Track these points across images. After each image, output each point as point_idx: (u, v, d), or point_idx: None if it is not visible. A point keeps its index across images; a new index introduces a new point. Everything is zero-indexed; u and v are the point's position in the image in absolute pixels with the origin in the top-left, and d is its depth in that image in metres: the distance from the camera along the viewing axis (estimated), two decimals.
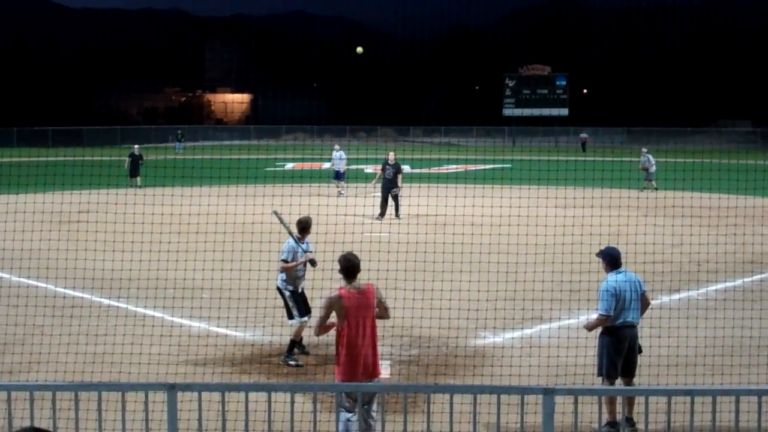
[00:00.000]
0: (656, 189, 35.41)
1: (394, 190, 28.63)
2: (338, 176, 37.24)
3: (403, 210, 28.16)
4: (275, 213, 13.21)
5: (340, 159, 37.47)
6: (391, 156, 29.32)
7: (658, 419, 7.57)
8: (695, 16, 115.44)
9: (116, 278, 16.74)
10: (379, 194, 28.98)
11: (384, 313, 9.12)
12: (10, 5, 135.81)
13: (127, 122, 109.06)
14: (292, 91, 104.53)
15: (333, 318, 8.92)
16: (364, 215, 27.66)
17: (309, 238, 13.35)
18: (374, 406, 8.70)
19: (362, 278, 9.08)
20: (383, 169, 29.28)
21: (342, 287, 8.90)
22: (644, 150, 39.82)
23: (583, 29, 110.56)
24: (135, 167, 40.38)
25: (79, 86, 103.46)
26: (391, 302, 13.30)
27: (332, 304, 8.79)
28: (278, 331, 13.54)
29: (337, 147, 38.61)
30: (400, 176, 28.88)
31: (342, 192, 35.84)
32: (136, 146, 42.41)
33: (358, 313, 8.75)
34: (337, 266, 9.09)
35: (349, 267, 8.97)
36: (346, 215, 24.76)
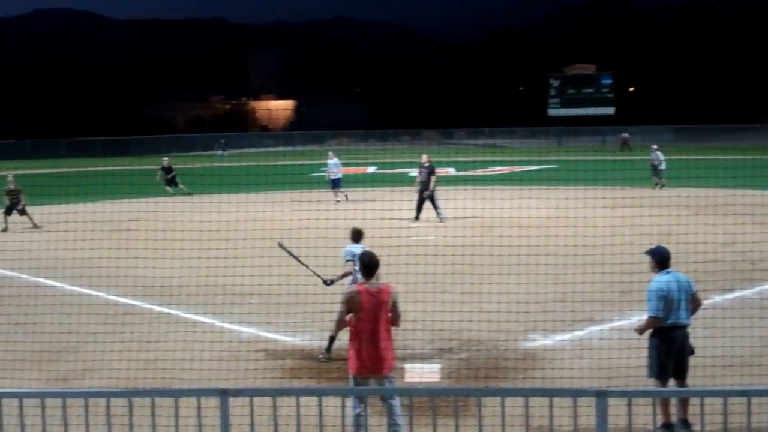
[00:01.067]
0: (663, 186, 35.02)
1: (426, 192, 28.60)
2: (336, 184, 35.87)
3: (448, 213, 28.08)
4: (281, 245, 13.18)
5: (336, 166, 36.18)
6: (424, 158, 29.32)
7: (714, 421, 7.45)
8: (744, 11, 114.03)
9: (167, 285, 16.87)
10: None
11: (395, 320, 9.25)
12: (57, 19, 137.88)
13: (173, 131, 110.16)
14: (335, 96, 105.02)
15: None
16: (409, 219, 27.67)
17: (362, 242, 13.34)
18: (396, 401, 8.92)
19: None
20: (419, 172, 29.29)
21: (360, 283, 9.25)
22: (654, 147, 39.39)
23: (628, 27, 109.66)
24: (170, 178, 40.80)
25: (125, 96, 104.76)
26: (440, 305, 13.35)
27: (351, 299, 9.07)
28: (327, 335, 13.55)
29: (331, 154, 37.59)
30: (432, 178, 28.71)
31: (340, 200, 34.33)
32: (165, 158, 42.85)
33: (371, 310, 9.02)
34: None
35: (370, 265, 9.25)
36: (392, 219, 24.75)
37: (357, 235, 13.30)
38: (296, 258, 13.07)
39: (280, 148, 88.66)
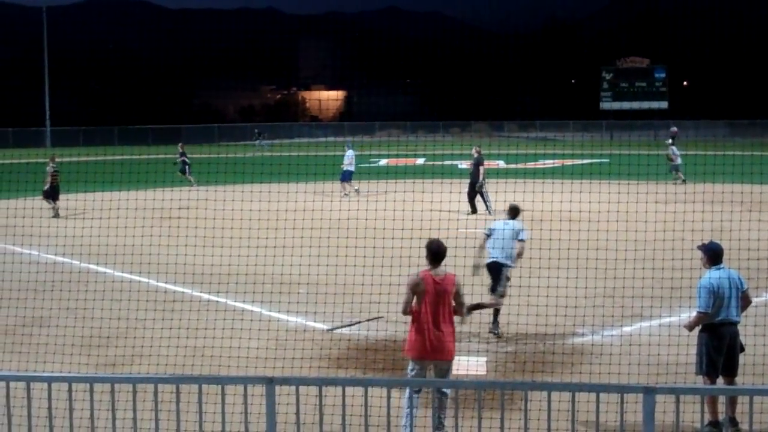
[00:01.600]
0: (684, 181, 34.62)
1: (477, 184, 28.52)
2: (346, 177, 35.02)
3: (498, 206, 27.96)
4: (333, 329, 13.83)
5: (350, 157, 35.26)
6: (473, 150, 29.30)
7: (763, 419, 7.35)
8: None
9: (215, 273, 17.01)
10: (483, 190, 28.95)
11: (458, 309, 9.55)
12: (110, 8, 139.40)
13: (224, 120, 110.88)
14: (385, 87, 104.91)
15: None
16: (459, 211, 27.58)
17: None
18: (448, 392, 9.12)
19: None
20: (470, 165, 29.25)
21: (425, 270, 9.45)
22: (668, 141, 38.98)
23: (682, 19, 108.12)
24: (186, 165, 41.24)
25: (177, 85, 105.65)
26: (489, 298, 13.28)
27: (415, 285, 9.35)
28: (373, 325, 13.58)
29: (349, 144, 36.98)
30: (480, 170, 28.53)
31: (349, 192, 33.88)
32: (180, 144, 43.38)
33: (434, 297, 9.28)
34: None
35: (437, 252, 9.49)
36: (441, 211, 24.70)
37: (514, 212, 14.43)
38: (359, 322, 13.58)
39: (330, 139, 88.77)
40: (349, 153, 35.42)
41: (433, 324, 9.26)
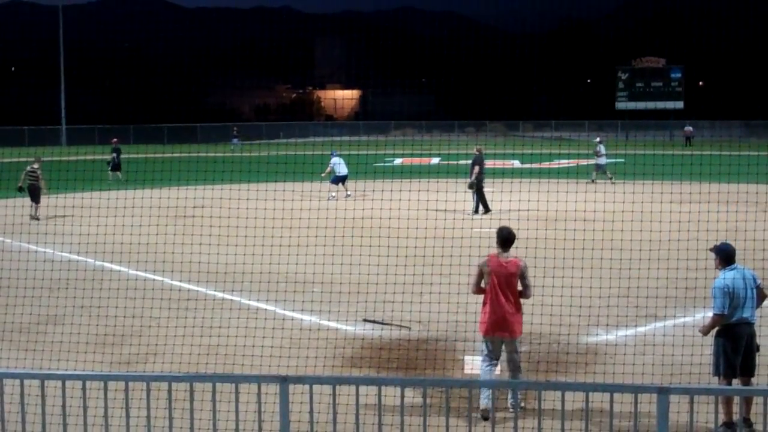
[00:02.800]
0: (612, 180, 34.48)
1: (469, 183, 28.28)
2: (339, 180, 34.08)
3: (513, 205, 27.80)
4: (366, 320, 13.86)
5: (338, 164, 34.30)
6: (475, 149, 29.32)
7: None
8: None
9: (229, 272, 17.04)
10: (487, 190, 28.73)
11: (524, 291, 10.30)
12: (126, 6, 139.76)
13: (239, 119, 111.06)
14: (401, 87, 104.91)
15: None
16: (472, 210, 27.55)
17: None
18: (517, 352, 10.27)
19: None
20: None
21: (492, 254, 10.32)
22: (597, 140, 38.89)
23: (698, 19, 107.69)
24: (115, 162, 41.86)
25: (193, 84, 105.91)
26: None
27: (482, 266, 10.24)
28: (387, 325, 13.58)
29: (335, 151, 35.44)
30: (476, 169, 28.07)
31: (334, 196, 33.05)
32: (114, 139, 44.07)
33: (500, 279, 10.13)
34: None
35: (506, 238, 10.35)
36: (455, 211, 24.69)
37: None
38: (384, 323, 13.62)
39: (345, 138, 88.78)
40: (336, 159, 34.47)
41: (498, 304, 10.08)
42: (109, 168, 41.61)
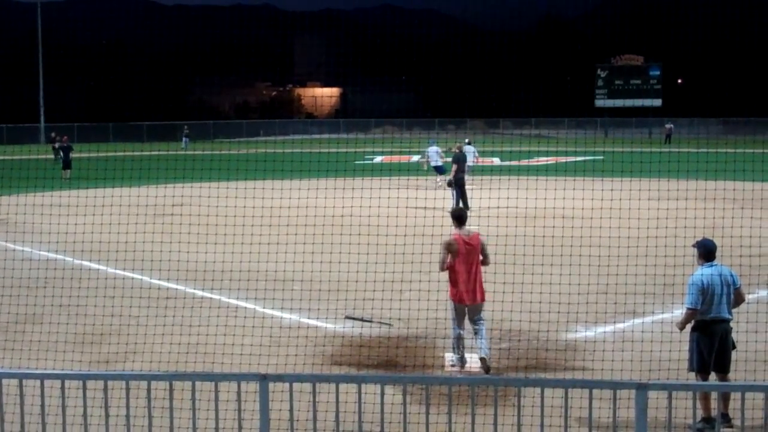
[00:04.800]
0: (441, 185, 34.61)
1: (447, 180, 28.53)
2: (440, 170, 35.65)
3: (492, 202, 27.87)
4: (348, 317, 13.99)
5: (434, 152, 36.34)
6: (455, 147, 29.67)
7: (755, 416, 7.36)
8: None
9: (209, 270, 17.00)
10: (468, 187, 28.78)
11: (485, 260, 11.74)
12: (105, 3, 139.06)
13: (219, 117, 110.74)
14: (381, 85, 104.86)
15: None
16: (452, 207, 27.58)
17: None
18: (481, 316, 11.70)
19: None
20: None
21: (455, 233, 11.64)
22: (467, 140, 38.88)
23: (677, 17, 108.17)
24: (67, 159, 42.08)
25: (172, 82, 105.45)
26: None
27: (449, 245, 11.51)
28: (367, 323, 13.59)
29: (433, 140, 37.58)
30: (454, 167, 28.25)
31: (440, 184, 34.29)
32: (65, 137, 44.25)
33: (466, 253, 11.47)
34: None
35: (460, 216, 12.04)
36: (435, 209, 24.71)
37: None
38: (366, 320, 13.74)
39: (325, 135, 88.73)
40: (432, 149, 36.24)
41: (467, 276, 11.43)
42: (61, 167, 41.79)
